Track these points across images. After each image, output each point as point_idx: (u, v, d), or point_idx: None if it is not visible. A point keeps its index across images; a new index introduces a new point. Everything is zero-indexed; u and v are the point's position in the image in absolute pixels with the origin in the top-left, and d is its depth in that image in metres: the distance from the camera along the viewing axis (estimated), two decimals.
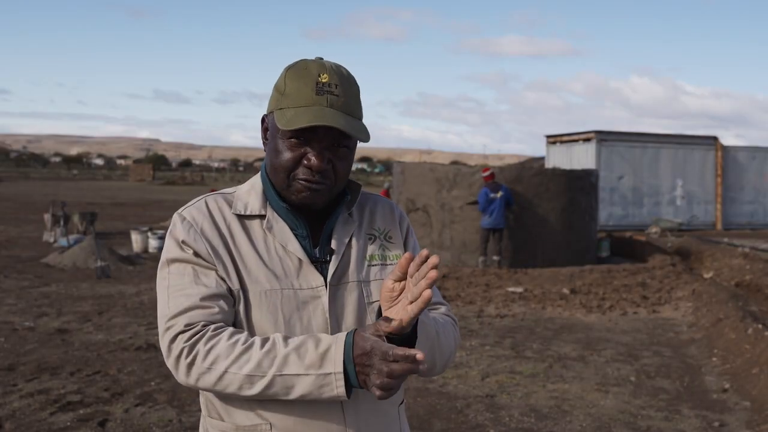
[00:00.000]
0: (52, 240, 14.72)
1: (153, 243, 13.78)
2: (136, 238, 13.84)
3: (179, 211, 1.52)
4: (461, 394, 5.38)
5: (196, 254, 1.45)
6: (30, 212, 22.26)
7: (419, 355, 1.27)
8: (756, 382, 5.54)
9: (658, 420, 4.92)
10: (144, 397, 5.09)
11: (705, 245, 15.92)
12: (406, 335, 1.43)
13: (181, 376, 1.40)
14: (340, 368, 1.31)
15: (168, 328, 1.41)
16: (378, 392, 1.28)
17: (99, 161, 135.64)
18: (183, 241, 1.46)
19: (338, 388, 1.32)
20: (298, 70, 1.47)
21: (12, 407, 4.79)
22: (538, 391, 5.49)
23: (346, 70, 1.50)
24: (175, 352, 1.39)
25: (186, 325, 1.39)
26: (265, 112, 1.55)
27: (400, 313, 1.35)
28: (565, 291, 10.03)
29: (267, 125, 1.54)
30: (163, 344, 1.41)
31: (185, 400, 5.04)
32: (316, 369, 1.32)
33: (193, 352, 1.37)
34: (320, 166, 1.44)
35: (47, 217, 15.58)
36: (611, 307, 9.01)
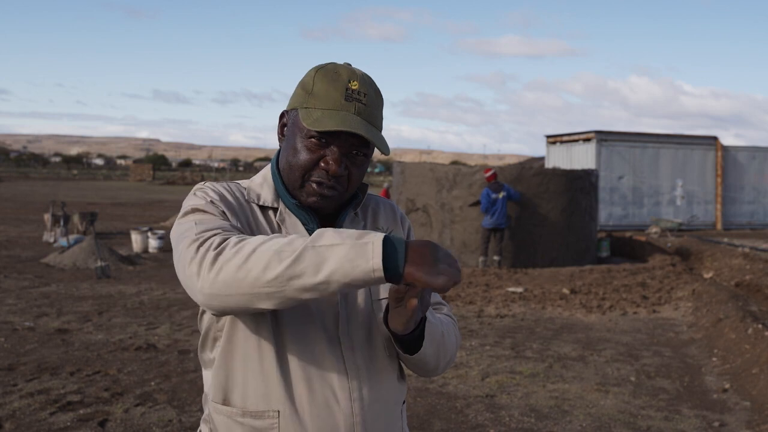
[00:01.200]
0: (52, 240, 14.72)
1: (153, 243, 13.79)
2: (136, 238, 13.84)
3: (200, 184, 1.50)
4: (461, 394, 5.38)
5: (224, 213, 1.43)
6: (30, 212, 22.27)
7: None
8: (756, 382, 5.54)
9: (658, 420, 4.92)
10: (144, 397, 5.09)
11: (705, 245, 15.92)
12: (414, 335, 1.44)
13: (203, 272, 1.25)
14: (380, 239, 1.19)
15: (196, 239, 1.29)
16: (442, 279, 1.18)
17: (99, 161, 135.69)
18: (211, 200, 1.43)
19: (375, 257, 1.17)
20: (328, 72, 1.47)
21: (12, 407, 4.79)
22: (538, 391, 5.49)
23: (374, 83, 1.51)
24: (204, 249, 1.26)
25: (220, 232, 1.32)
26: (286, 108, 1.55)
27: (406, 312, 1.35)
28: (565, 291, 10.03)
29: (286, 121, 1.54)
30: (189, 252, 1.28)
31: (185, 400, 5.04)
32: (352, 239, 1.20)
33: (223, 244, 1.26)
34: (337, 171, 1.45)
35: (47, 217, 15.58)
36: (611, 307, 9.01)
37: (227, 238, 1.28)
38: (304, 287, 1.21)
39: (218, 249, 1.26)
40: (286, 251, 1.21)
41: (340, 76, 1.46)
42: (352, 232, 1.22)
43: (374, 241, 1.19)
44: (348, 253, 1.19)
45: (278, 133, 1.57)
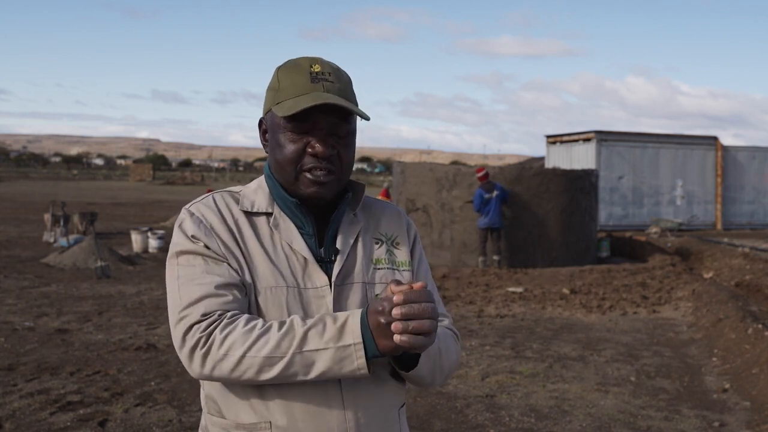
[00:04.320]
0: (52, 240, 14.72)
1: (153, 243, 13.79)
2: (136, 238, 13.84)
3: (187, 206, 1.52)
4: (461, 394, 5.38)
5: (207, 247, 1.44)
6: (30, 212, 22.26)
7: (416, 285, 1.30)
8: (756, 382, 5.54)
9: (658, 420, 4.92)
10: (144, 397, 5.09)
11: (705, 245, 15.92)
12: (409, 354, 1.43)
13: (195, 367, 1.36)
14: (359, 338, 1.31)
15: (181, 319, 1.38)
16: (404, 337, 1.27)
17: (99, 161, 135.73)
18: (193, 236, 1.45)
19: (358, 359, 1.32)
20: (288, 66, 1.50)
21: (12, 407, 4.79)
22: (538, 391, 5.48)
23: (339, 67, 1.53)
24: (190, 343, 1.36)
25: (202, 315, 1.36)
26: (262, 116, 1.56)
27: None
28: (565, 291, 10.03)
29: (265, 126, 1.54)
30: (177, 335, 1.38)
31: (185, 400, 5.04)
32: (335, 342, 1.32)
33: (209, 341, 1.34)
34: (325, 151, 1.44)
35: (47, 217, 15.58)
36: (611, 307, 9.01)
37: (212, 330, 1.35)
38: (297, 381, 1.36)
39: (205, 348, 1.35)
40: (275, 356, 1.33)
41: (300, 64, 1.48)
42: (332, 332, 1.33)
43: (355, 343, 1.32)
44: (334, 356, 1.32)
45: (261, 141, 1.57)
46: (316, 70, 1.46)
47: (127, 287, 9.80)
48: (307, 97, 1.42)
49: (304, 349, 1.32)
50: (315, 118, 1.44)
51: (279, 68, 1.51)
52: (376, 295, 1.48)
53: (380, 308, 1.30)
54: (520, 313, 8.65)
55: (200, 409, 4.77)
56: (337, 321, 1.34)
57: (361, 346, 1.31)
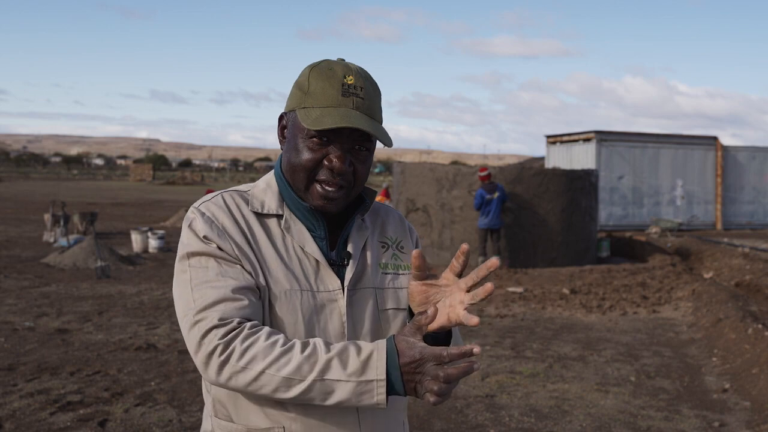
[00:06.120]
0: (52, 240, 14.72)
1: (153, 243, 13.79)
2: (136, 238, 13.84)
3: (196, 205, 1.48)
4: (461, 394, 5.38)
5: (220, 249, 1.41)
6: (30, 212, 22.27)
7: (476, 349, 1.26)
8: (756, 382, 5.54)
9: (658, 420, 4.92)
10: (144, 397, 5.09)
11: (705, 245, 15.92)
12: (441, 335, 1.45)
13: (210, 374, 1.33)
14: (383, 375, 1.29)
15: (197, 322, 1.34)
16: (433, 398, 1.26)
17: (99, 161, 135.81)
18: (205, 236, 1.42)
19: (379, 395, 1.29)
20: (322, 70, 1.46)
21: (12, 407, 4.79)
22: (538, 391, 5.49)
23: (370, 75, 1.50)
24: (208, 348, 1.32)
25: (220, 320, 1.33)
26: (284, 111, 1.53)
27: (442, 314, 1.39)
28: (565, 291, 10.03)
29: (286, 123, 1.52)
30: (192, 338, 1.34)
31: (185, 400, 5.04)
32: (357, 376, 1.29)
33: (228, 350, 1.31)
34: (342, 168, 1.42)
35: (47, 217, 15.59)
36: (611, 307, 9.01)
37: (232, 339, 1.32)
38: (313, 405, 1.35)
39: (223, 356, 1.31)
40: (295, 379, 1.30)
41: (335, 72, 1.44)
42: (356, 365, 1.30)
43: (378, 379, 1.29)
44: (354, 390, 1.30)
45: (279, 136, 1.54)
46: (348, 82, 1.43)
47: (127, 287, 9.80)
48: (335, 113, 1.40)
49: (325, 378, 1.30)
50: (338, 132, 1.43)
51: (312, 69, 1.47)
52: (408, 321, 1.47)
53: (417, 356, 1.29)
54: (520, 313, 8.65)
55: (200, 409, 4.78)
56: (362, 353, 1.31)
57: (384, 383, 1.29)
